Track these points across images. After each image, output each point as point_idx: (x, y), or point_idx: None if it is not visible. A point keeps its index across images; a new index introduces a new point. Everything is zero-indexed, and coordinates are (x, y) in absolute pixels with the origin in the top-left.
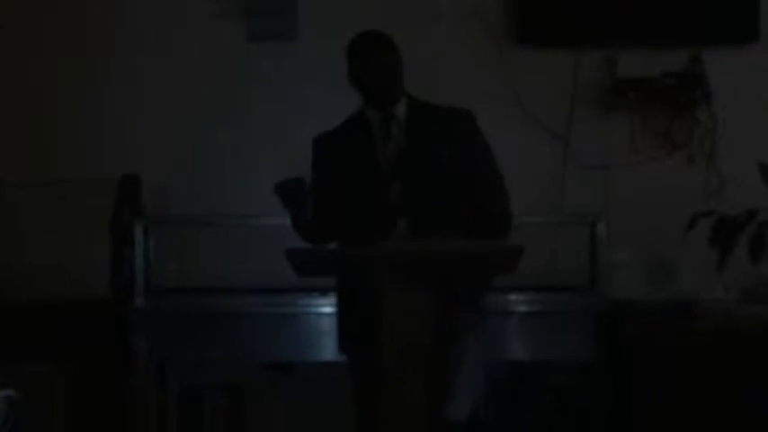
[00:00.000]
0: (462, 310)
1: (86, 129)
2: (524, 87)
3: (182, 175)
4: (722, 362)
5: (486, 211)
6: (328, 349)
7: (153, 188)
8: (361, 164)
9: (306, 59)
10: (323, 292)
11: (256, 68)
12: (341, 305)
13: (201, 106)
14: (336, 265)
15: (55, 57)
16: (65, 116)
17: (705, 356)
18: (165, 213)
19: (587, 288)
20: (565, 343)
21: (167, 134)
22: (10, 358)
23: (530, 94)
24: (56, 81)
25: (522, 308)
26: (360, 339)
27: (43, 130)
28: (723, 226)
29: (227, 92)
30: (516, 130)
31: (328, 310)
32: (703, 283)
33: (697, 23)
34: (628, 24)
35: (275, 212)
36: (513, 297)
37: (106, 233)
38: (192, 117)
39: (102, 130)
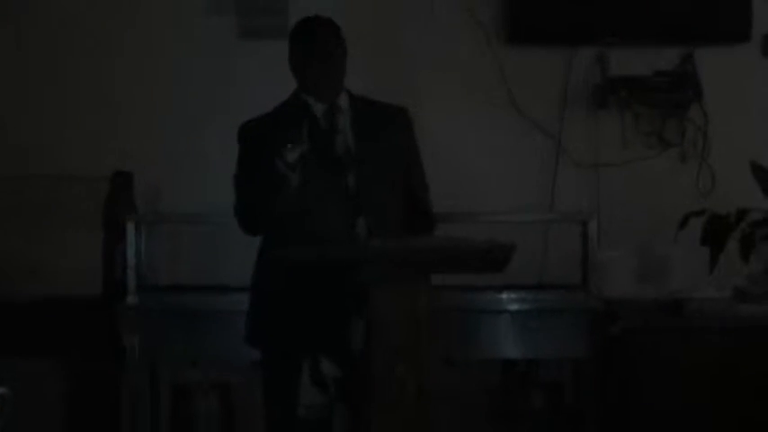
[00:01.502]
0: None
1: (78, 126)
2: (516, 86)
3: (173, 172)
4: (713, 360)
5: (419, 207)
6: None
7: (145, 185)
8: (313, 155)
9: None
10: None
11: (248, 66)
12: (302, 303)
13: (193, 103)
14: (327, 263)
15: (45, 54)
16: (56, 113)
17: (696, 355)
18: (157, 211)
19: (579, 286)
20: (556, 341)
21: (159, 131)
22: (4, 355)
23: (521, 92)
24: (45, 78)
25: (514, 306)
26: (339, 339)
27: (35, 126)
28: (715, 224)
29: (219, 89)
30: (507, 129)
31: None
32: (695, 282)
33: (689, 22)
34: (619, 23)
35: None
36: (505, 295)
37: (98, 230)
38: (184, 114)
39: (94, 127)
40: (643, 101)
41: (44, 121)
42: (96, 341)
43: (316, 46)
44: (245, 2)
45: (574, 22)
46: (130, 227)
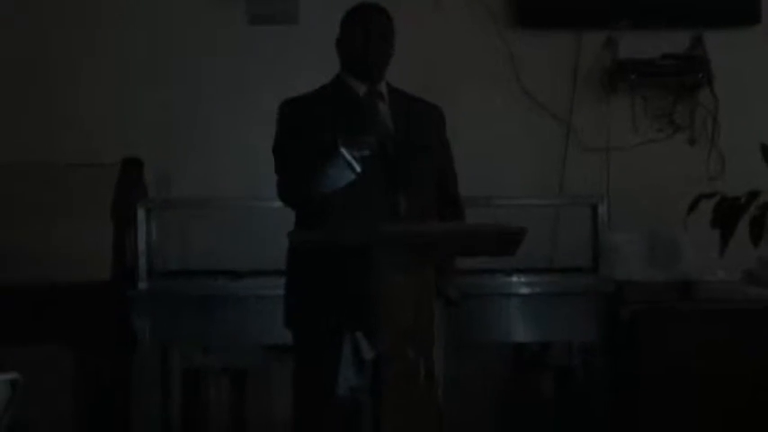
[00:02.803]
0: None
1: (88, 112)
2: (526, 70)
3: (183, 158)
4: (723, 343)
5: (449, 199)
6: None
7: (155, 171)
8: (352, 131)
9: (306, 43)
10: None
11: (257, 52)
12: (319, 283)
13: (202, 89)
14: (339, 246)
15: (56, 41)
16: (67, 100)
17: (706, 337)
18: (167, 196)
19: (589, 269)
20: (567, 324)
21: (169, 117)
22: (14, 341)
23: (531, 76)
24: (56, 66)
25: (524, 289)
26: (350, 321)
27: (45, 113)
28: (724, 207)
29: (228, 75)
30: (518, 113)
31: None
32: (705, 265)
33: (698, 5)
34: (629, 6)
35: (276, 195)
36: (515, 279)
37: (109, 216)
38: (194, 100)
39: (105, 113)
40: (653, 84)
41: (55, 109)
42: (107, 327)
43: (371, 27)
44: None
45: (583, 5)
46: (141, 213)
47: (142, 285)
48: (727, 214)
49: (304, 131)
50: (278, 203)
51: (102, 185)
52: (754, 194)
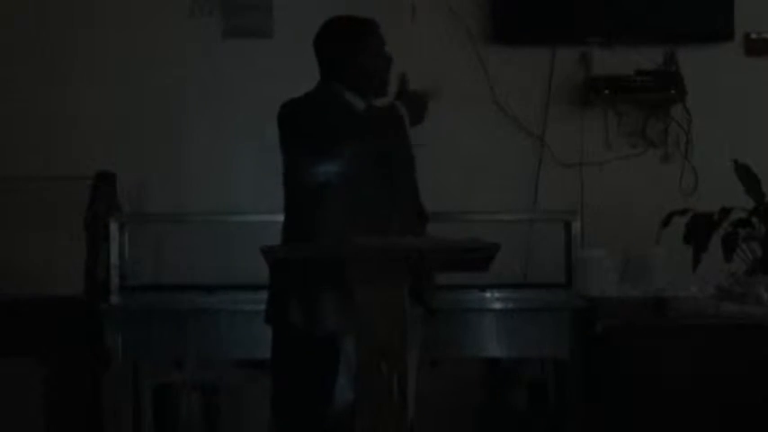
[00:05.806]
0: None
1: (61, 126)
2: (499, 85)
3: (157, 172)
4: (696, 359)
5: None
6: None
7: (128, 185)
8: (359, 148)
9: (281, 57)
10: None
11: (231, 66)
12: (296, 293)
13: (176, 103)
14: (313, 261)
15: (29, 54)
16: (39, 114)
17: (679, 353)
18: (140, 211)
19: (562, 285)
20: (540, 340)
21: (142, 131)
22: None
23: (505, 91)
24: (29, 78)
25: (498, 305)
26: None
27: (18, 127)
28: (698, 224)
29: (202, 89)
30: (491, 128)
31: None
32: (678, 281)
33: (672, 22)
34: (603, 22)
35: (250, 210)
36: (489, 294)
37: (81, 230)
38: (167, 114)
39: (78, 127)
40: (626, 100)
41: (27, 122)
42: (79, 341)
43: (383, 44)
44: (229, 2)
45: (557, 21)
46: (114, 227)
47: (114, 300)
48: (699, 231)
49: (309, 142)
50: (252, 218)
51: (74, 199)
52: (726, 211)
